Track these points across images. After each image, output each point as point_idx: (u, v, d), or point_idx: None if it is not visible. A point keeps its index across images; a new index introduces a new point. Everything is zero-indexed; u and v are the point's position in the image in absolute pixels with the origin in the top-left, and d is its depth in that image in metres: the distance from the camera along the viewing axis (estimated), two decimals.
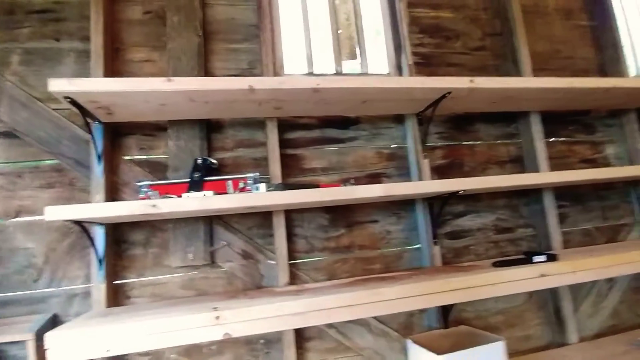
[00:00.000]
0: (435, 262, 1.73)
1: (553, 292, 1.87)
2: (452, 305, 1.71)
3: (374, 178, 1.80)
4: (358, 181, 1.77)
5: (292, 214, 1.68)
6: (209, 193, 1.32)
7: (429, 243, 1.74)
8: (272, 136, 1.65)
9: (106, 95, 1.26)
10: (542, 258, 1.50)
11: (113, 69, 1.60)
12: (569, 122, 2.13)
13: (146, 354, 1.47)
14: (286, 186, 1.37)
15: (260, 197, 1.22)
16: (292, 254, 1.65)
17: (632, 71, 2.28)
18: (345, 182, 1.71)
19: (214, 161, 1.56)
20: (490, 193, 1.91)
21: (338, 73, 1.87)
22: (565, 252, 1.79)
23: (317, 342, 1.62)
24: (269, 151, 1.65)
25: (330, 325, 1.62)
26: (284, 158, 1.70)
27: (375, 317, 1.67)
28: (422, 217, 1.76)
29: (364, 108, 1.67)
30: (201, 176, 1.48)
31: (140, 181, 1.45)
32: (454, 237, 1.85)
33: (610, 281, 2.01)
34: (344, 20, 1.96)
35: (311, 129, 1.78)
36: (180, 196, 1.31)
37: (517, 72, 2.02)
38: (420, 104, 1.67)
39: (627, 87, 1.76)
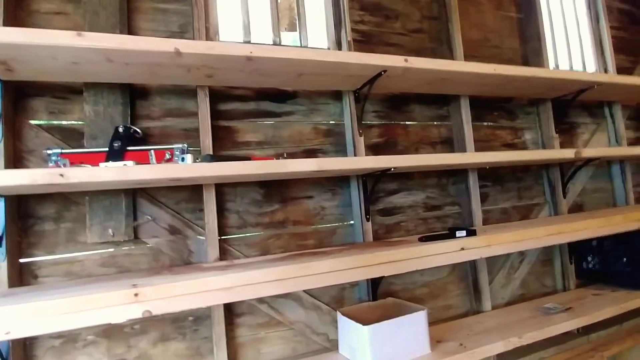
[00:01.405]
0: (367, 238, 1.77)
1: (472, 265, 2.02)
2: (380, 279, 1.77)
3: (311, 154, 1.79)
4: (294, 156, 1.74)
5: (224, 188, 1.62)
6: (130, 163, 1.22)
7: (362, 219, 1.78)
8: (203, 106, 1.56)
9: (3, 48, 1.10)
10: (463, 233, 1.60)
11: (16, 19, 1.40)
12: (494, 108, 2.27)
13: (59, 336, 1.36)
14: (215, 158, 1.31)
15: (185, 168, 1.15)
16: (223, 229, 1.60)
17: (551, 63, 2.47)
18: (279, 156, 1.67)
19: (138, 130, 1.44)
20: (422, 172, 1.99)
21: (275, 44, 1.81)
22: (484, 228, 1.93)
23: (248, 317, 1.61)
24: (200, 122, 1.56)
25: (261, 301, 1.61)
26: (217, 130, 1.62)
27: (307, 292, 1.69)
28: (356, 193, 1.79)
29: (300, 82, 1.63)
30: (122, 145, 1.36)
31: (49, 149, 1.30)
32: (387, 214, 1.91)
33: (522, 255, 2.21)
34: None
35: (246, 101, 1.71)
36: (96, 166, 1.19)
37: (451, 56, 2.09)
38: (357, 80, 1.67)
39: (544, 77, 1.90)
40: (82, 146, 1.41)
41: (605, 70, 2.70)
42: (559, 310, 1.89)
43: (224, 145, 1.64)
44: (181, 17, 1.64)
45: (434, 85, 1.85)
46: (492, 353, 1.60)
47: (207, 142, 1.55)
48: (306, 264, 1.25)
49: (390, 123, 1.97)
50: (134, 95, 1.52)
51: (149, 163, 1.31)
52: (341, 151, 1.85)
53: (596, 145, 2.61)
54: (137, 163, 1.22)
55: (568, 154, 1.96)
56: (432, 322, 1.88)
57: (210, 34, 1.64)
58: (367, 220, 1.78)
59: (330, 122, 1.85)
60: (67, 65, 1.23)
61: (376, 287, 1.76)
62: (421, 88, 1.90)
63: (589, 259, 2.30)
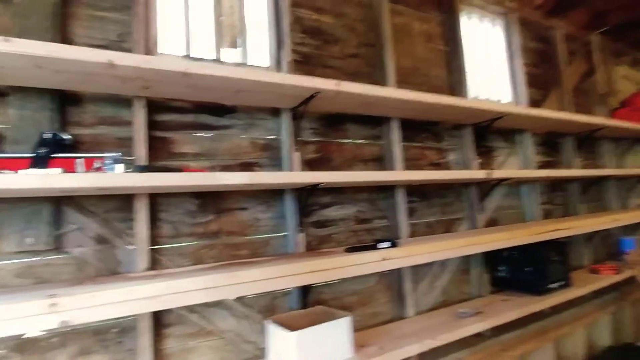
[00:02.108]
0: (299, 249, 1.86)
1: (398, 275, 2.18)
2: (310, 288, 1.86)
3: (247, 167, 1.85)
4: (231, 169, 1.79)
5: (158, 198, 1.63)
6: (56, 171, 1.21)
7: (295, 231, 1.86)
8: (139, 115, 1.57)
9: None
10: (386, 244, 1.74)
11: None
12: (423, 130, 2.49)
13: None
14: (146, 168, 1.33)
15: (113, 178, 1.17)
16: (156, 239, 1.61)
17: (472, 93, 2.75)
18: (214, 169, 1.71)
19: (67, 137, 1.42)
20: (354, 187, 2.13)
21: (217, 60, 1.86)
22: (409, 240, 2.10)
23: (178, 327, 1.61)
24: (134, 131, 1.57)
25: (192, 310, 1.62)
26: (153, 140, 1.63)
27: (239, 301, 1.73)
28: (290, 206, 1.87)
29: (239, 98, 1.70)
30: (49, 152, 1.34)
31: None
32: (320, 226, 2.01)
33: (443, 264, 2.41)
34: (228, 8, 1.95)
35: (184, 113, 1.74)
36: (16, 172, 1.17)
37: (384, 81, 2.27)
38: (293, 99, 1.77)
39: (462, 106, 2.14)
40: (2, 151, 1.36)
41: (519, 102, 3.06)
42: (471, 315, 2.09)
43: (160, 156, 1.65)
44: (120, 26, 1.65)
45: (366, 107, 2.00)
46: (409, 354, 1.74)
47: (141, 152, 1.56)
48: (235, 273, 1.31)
49: (326, 140, 2.09)
50: (65, 101, 1.50)
51: (76, 171, 1.30)
52: (278, 165, 1.93)
53: (510, 167, 2.93)
54: (65, 171, 1.21)
55: (481, 174, 2.19)
56: (359, 329, 2.00)
57: (149, 45, 1.66)
58: (300, 231, 1.86)
59: (268, 137, 1.92)
60: None
61: (306, 295, 1.84)
62: (355, 109, 2.05)
63: (501, 268, 2.57)
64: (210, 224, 1.74)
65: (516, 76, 3.08)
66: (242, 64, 1.94)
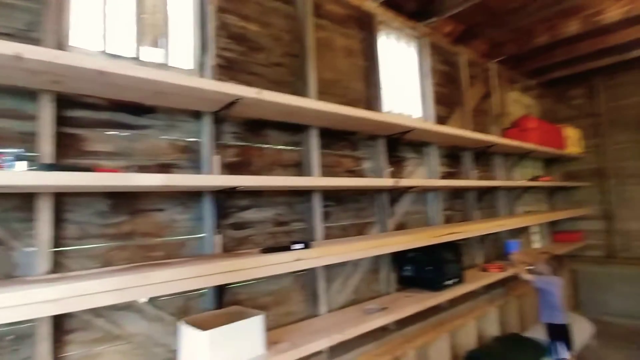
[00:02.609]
0: (216, 250, 1.90)
1: (313, 274, 2.31)
2: (226, 289, 1.91)
3: (165, 168, 1.84)
4: (148, 170, 1.77)
5: (64, 198, 1.56)
6: None
7: (212, 232, 1.90)
8: (46, 111, 1.50)
9: None
10: (300, 246, 1.86)
11: None
12: (341, 139, 2.67)
13: None
14: (52, 167, 1.28)
15: (12, 176, 1.12)
16: (60, 240, 1.54)
17: (387, 107, 3.01)
18: (128, 169, 1.69)
19: None
20: (273, 191, 2.22)
21: (136, 58, 1.83)
22: (324, 242, 2.25)
23: (81, 333, 1.55)
24: (40, 126, 1.49)
25: (98, 315, 1.58)
26: (61, 137, 1.56)
27: (150, 303, 1.71)
28: (208, 208, 1.90)
29: (159, 99, 1.70)
30: None
31: None
32: (238, 228, 2.07)
33: (356, 265, 2.61)
34: (150, 7, 1.93)
35: (99, 110, 1.68)
36: None
37: (306, 91, 2.40)
38: (214, 104, 1.81)
39: (376, 119, 2.35)
40: None
41: (428, 117, 3.41)
42: (377, 310, 2.30)
43: (69, 153, 1.58)
44: (29, 14, 1.55)
45: (287, 115, 2.11)
46: (318, 348, 1.88)
47: (47, 149, 1.48)
48: (145, 274, 1.31)
49: (247, 145, 2.15)
50: None
51: None
52: (197, 167, 1.94)
53: (418, 176, 3.26)
54: None
55: (390, 182, 2.43)
56: (274, 327, 2.09)
57: (60, 38, 1.58)
58: (218, 233, 1.90)
59: (188, 139, 1.93)
60: None
61: (222, 296, 1.89)
62: (276, 116, 2.15)
63: (406, 267, 2.85)
64: (123, 225, 1.70)
65: (426, 94, 3.43)
66: (164, 65, 1.92)
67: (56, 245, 1.51)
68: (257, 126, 2.21)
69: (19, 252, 1.44)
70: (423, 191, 3.27)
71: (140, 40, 1.86)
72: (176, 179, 1.44)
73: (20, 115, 1.49)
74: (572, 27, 3.78)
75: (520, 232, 4.31)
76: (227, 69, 2.12)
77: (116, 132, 1.72)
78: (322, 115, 2.14)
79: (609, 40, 4.08)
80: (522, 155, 4.43)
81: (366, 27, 2.97)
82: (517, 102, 5.05)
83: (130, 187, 1.49)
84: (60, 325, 1.51)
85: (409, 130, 2.73)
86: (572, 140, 5.02)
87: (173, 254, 1.83)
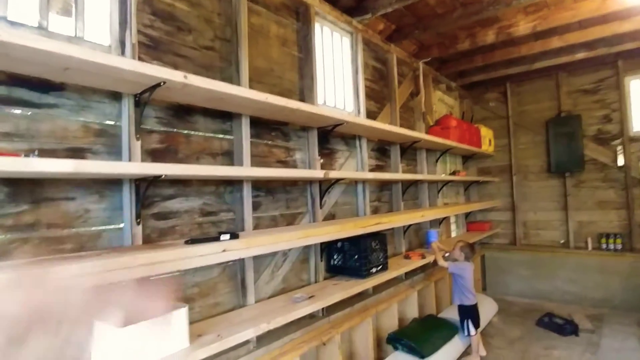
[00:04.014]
0: (136, 241, 1.78)
1: (241, 265, 2.28)
2: None
3: (77, 153, 1.68)
4: (55, 154, 1.60)
5: None
6: None
7: (132, 223, 1.78)
8: None
9: None
10: (227, 237, 1.82)
11: None
12: (272, 129, 2.64)
13: None
14: None
15: None
16: None
17: (320, 99, 3.05)
18: (29, 153, 1.51)
19: None
20: (200, 180, 2.14)
21: (41, 27, 1.63)
22: (253, 233, 2.23)
23: None
24: None
25: None
26: None
27: None
28: (127, 197, 1.78)
29: (68, 75, 1.53)
30: None
31: None
32: (161, 218, 1.96)
33: (285, 255, 2.63)
34: None
35: None
36: None
37: (237, 78, 2.33)
38: (135, 86, 1.69)
39: (307, 111, 2.37)
40: None
41: (359, 112, 3.52)
42: (304, 299, 2.35)
43: None
44: None
45: (216, 102, 2.04)
46: (244, 339, 1.87)
47: None
48: (48, 270, 1.19)
49: (172, 131, 2.04)
50: None
51: None
52: (116, 154, 1.80)
53: (348, 169, 3.36)
54: None
55: (320, 174, 2.47)
56: (199, 319, 2.04)
57: None
58: (138, 224, 1.79)
59: (105, 122, 1.78)
60: None
61: None
62: (205, 103, 2.06)
63: (335, 256, 2.94)
64: (24, 214, 1.52)
65: (358, 89, 3.53)
66: (77, 39, 1.74)
67: None
68: (184, 112, 2.10)
69: None
70: (352, 183, 3.39)
71: (46, 6, 1.65)
72: (89, 166, 1.32)
73: None
74: (489, 36, 4.13)
75: (440, 222, 4.66)
76: (151, 49, 1.98)
77: (14, 110, 1.52)
78: (253, 104, 2.10)
79: (519, 50, 4.55)
80: (443, 151, 4.77)
81: (302, 17, 2.97)
82: (441, 102, 5.42)
83: (33, 173, 1.34)
84: None
85: (340, 124, 2.80)
86: (486, 139, 5.54)
87: (87, 247, 1.68)
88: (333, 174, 2.54)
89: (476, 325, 3.40)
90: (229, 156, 2.33)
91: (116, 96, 1.81)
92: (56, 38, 1.63)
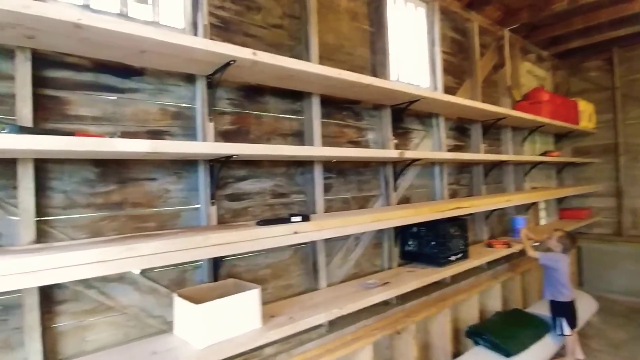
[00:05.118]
0: (211, 222, 1.82)
1: (312, 248, 2.24)
2: (223, 261, 1.85)
3: (156, 135, 1.74)
4: (136, 136, 1.67)
5: (48, 165, 1.47)
6: None
7: (207, 203, 1.81)
8: (23, 70, 1.38)
9: None
10: (298, 219, 1.78)
11: None
12: (343, 108, 2.53)
13: None
14: (26, 130, 1.19)
15: None
16: (46, 209, 1.46)
17: (393, 75, 2.86)
18: (112, 135, 1.58)
19: None
20: (271, 161, 2.12)
21: (122, 14, 1.69)
22: (324, 215, 2.17)
23: (72, 304, 1.50)
24: (17, 87, 1.38)
25: (89, 286, 1.52)
26: (42, 99, 1.46)
27: (144, 275, 1.66)
28: (202, 178, 1.81)
29: (146, 59, 1.57)
30: None
31: None
32: (235, 199, 1.98)
33: (357, 239, 2.54)
34: None
35: (81, 71, 1.57)
36: None
37: (307, 56, 2.25)
38: (207, 66, 1.69)
39: (381, 86, 2.21)
40: None
41: (436, 88, 3.25)
42: (378, 285, 2.24)
43: (50, 117, 1.48)
44: None
45: (286, 80, 1.98)
46: (316, 323, 1.83)
47: (25, 112, 1.38)
48: (131, 246, 1.24)
49: (243, 112, 2.04)
50: None
51: None
52: (191, 135, 1.84)
53: (424, 149, 3.13)
54: None
55: (395, 154, 2.31)
56: (272, 300, 2.05)
57: None
58: (213, 204, 1.82)
59: (181, 104, 1.82)
60: None
61: (218, 269, 1.83)
62: (274, 82, 2.01)
63: (410, 242, 2.78)
64: (112, 194, 1.62)
65: (435, 63, 3.26)
66: (153, 23, 1.78)
67: (41, 214, 1.44)
68: (254, 92, 2.08)
69: (2, 221, 1.37)
70: (429, 164, 3.16)
71: None
72: (164, 146, 1.34)
73: None
74: None
75: (528, 209, 4.21)
76: (222, 30, 1.98)
77: (101, 95, 1.60)
78: (324, 80, 2.00)
79: (632, 6, 3.83)
80: (532, 130, 4.26)
81: None
82: (530, 74, 4.84)
83: (116, 153, 1.40)
84: (50, 296, 1.45)
85: (416, 100, 2.59)
86: (585, 114, 4.83)
87: (167, 225, 1.76)
88: (409, 154, 2.37)
89: (572, 325, 3.00)
90: (299, 137, 2.27)
91: (190, 79, 1.84)
92: (134, 22, 1.68)
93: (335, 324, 2.24)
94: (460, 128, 3.59)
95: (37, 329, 1.38)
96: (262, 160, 2.06)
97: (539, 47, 4.88)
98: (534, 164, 4.32)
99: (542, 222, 4.79)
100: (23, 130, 1.17)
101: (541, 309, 3.35)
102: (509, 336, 2.85)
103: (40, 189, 1.44)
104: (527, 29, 4.41)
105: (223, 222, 1.90)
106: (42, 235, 1.43)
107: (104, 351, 1.53)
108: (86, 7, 1.60)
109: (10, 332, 1.38)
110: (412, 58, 3.14)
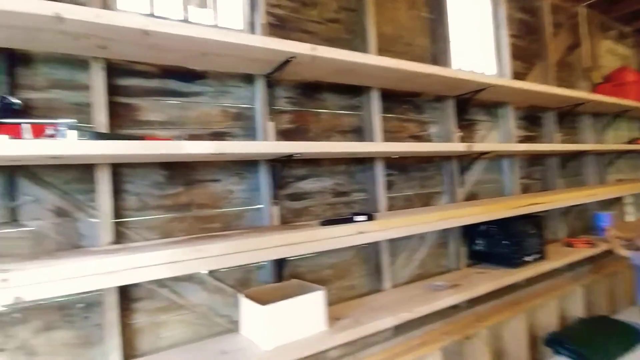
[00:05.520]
0: (273, 222, 1.81)
1: (375, 248, 2.16)
2: (286, 261, 1.83)
3: (218, 137, 1.76)
4: (200, 139, 1.70)
5: (122, 169, 1.54)
6: (2, 137, 1.11)
7: (269, 203, 1.81)
8: (98, 79, 1.46)
9: None
10: (363, 218, 1.71)
11: None
12: (403, 101, 2.42)
13: None
14: (102, 136, 1.24)
15: (64, 145, 1.07)
16: (120, 211, 1.53)
17: (456, 64, 2.68)
18: (179, 138, 1.62)
19: (16, 101, 1.30)
20: (331, 159, 2.07)
21: (184, 20, 1.73)
22: (387, 214, 2.07)
23: (147, 302, 1.56)
24: (93, 96, 1.46)
25: (161, 285, 1.57)
26: (115, 107, 1.53)
27: (211, 275, 1.68)
28: (264, 178, 1.81)
29: (206, 61, 1.59)
30: None
31: None
32: (295, 199, 1.96)
33: (422, 238, 2.41)
34: None
35: (149, 78, 1.62)
36: None
37: (364, 49, 2.17)
38: (266, 65, 1.67)
39: (443, 75, 2.07)
40: None
41: (504, 74, 3.00)
42: (446, 287, 2.11)
43: (123, 123, 1.55)
44: None
45: (345, 75, 1.92)
46: (383, 327, 1.75)
47: (101, 119, 1.45)
48: (201, 247, 1.25)
49: (302, 110, 2.00)
50: (14, 62, 1.37)
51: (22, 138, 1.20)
52: (251, 135, 1.84)
53: (491, 141, 2.91)
54: (12, 137, 1.11)
55: (462, 147, 2.16)
56: (335, 302, 2.00)
57: (106, 1, 1.52)
58: (275, 204, 1.81)
59: (241, 105, 1.83)
60: None
61: (281, 269, 1.81)
62: (332, 77, 1.96)
63: (478, 241, 2.59)
64: (180, 196, 1.66)
65: (501, 48, 3.01)
66: (213, 26, 1.81)
67: (117, 216, 1.51)
68: (312, 89, 2.05)
69: (83, 223, 1.45)
70: (497, 157, 2.93)
71: (186, 1, 1.75)
72: (227, 146, 1.34)
73: (73, 86, 1.47)
74: None
75: (612, 204, 3.77)
76: (278, 28, 1.96)
77: (167, 100, 1.65)
78: (383, 73, 1.91)
79: None
80: (616, 115, 3.81)
81: None
82: (611, 53, 4.33)
83: (183, 155, 1.42)
84: (127, 293, 1.52)
85: (482, 89, 2.40)
86: None
87: (231, 226, 1.77)
88: (478, 147, 2.20)
89: None
90: (359, 133, 2.20)
91: (249, 79, 1.84)
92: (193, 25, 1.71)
93: (400, 327, 2.13)
94: (531, 117, 3.30)
95: (116, 325, 1.45)
96: (322, 158, 2.01)
97: (620, 23, 4.35)
98: (620, 154, 3.85)
99: (629, 218, 4.27)
100: (101, 136, 1.22)
101: (632, 316, 2.98)
102: (595, 346, 2.55)
103: (116, 192, 1.51)
104: (606, 3, 3.94)
105: (285, 222, 1.89)
106: (119, 236, 1.50)
107: (177, 348, 1.58)
108: (151, 15, 1.65)
109: (91, 328, 1.45)
110: (475, 44, 2.93)
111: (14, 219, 1.35)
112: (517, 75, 3.12)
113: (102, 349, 1.45)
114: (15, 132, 1.18)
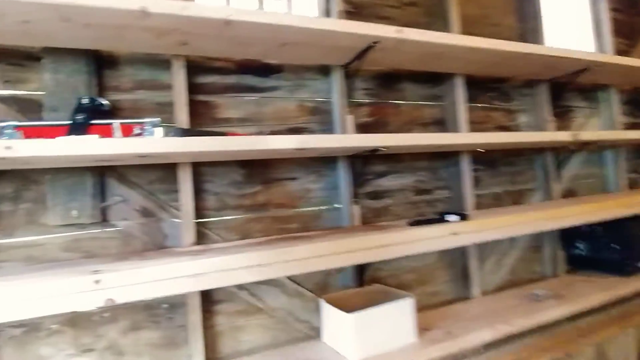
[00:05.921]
0: (354, 222, 1.69)
1: (461, 251, 1.96)
2: (367, 265, 1.70)
3: (295, 132, 1.68)
4: (278, 135, 1.63)
5: (202, 168, 1.51)
6: (93, 138, 1.10)
7: (349, 202, 1.69)
8: (179, 78, 1.43)
9: None
10: (455, 217, 1.53)
11: None
12: (489, 89, 2.17)
13: (19, 324, 1.25)
14: (187, 132, 1.19)
15: (152, 143, 1.04)
16: (201, 211, 1.50)
17: (548, 43, 2.37)
18: (259, 135, 1.56)
19: (105, 102, 1.31)
20: (412, 154, 1.90)
21: (260, 10, 1.66)
22: (476, 213, 1.86)
23: (227, 305, 1.52)
24: (174, 96, 1.44)
25: (241, 287, 1.52)
26: (194, 105, 1.50)
27: (290, 278, 1.60)
28: (343, 175, 1.69)
29: (284, 53, 1.50)
30: (86, 118, 1.23)
31: (2, 121, 1.17)
32: (375, 197, 1.82)
33: (512, 241, 2.16)
34: None
35: (227, 74, 1.58)
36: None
37: (446, 32, 1.97)
38: (345, 53, 1.55)
39: (541, 54, 1.80)
40: (41, 119, 1.28)
41: (603, 52, 2.62)
42: (548, 297, 1.85)
43: (203, 122, 1.52)
44: None
45: (428, 61, 1.74)
46: (479, 341, 1.55)
47: (183, 118, 1.43)
48: (286, 249, 1.16)
49: (380, 102, 1.86)
50: (101, 64, 1.39)
51: (113, 137, 1.19)
52: (328, 130, 1.74)
53: (591, 130, 2.55)
54: (102, 137, 1.11)
55: (565, 136, 1.88)
56: (418, 309, 1.82)
57: None
58: (355, 203, 1.69)
59: (317, 99, 1.73)
60: (17, 25, 1.09)
61: (362, 273, 1.69)
62: (414, 64, 1.79)
63: (579, 245, 2.27)
64: (257, 195, 1.60)
65: (600, 23, 2.63)
66: (288, 14, 1.73)
67: (198, 216, 1.48)
68: (391, 80, 1.89)
69: (167, 223, 1.44)
70: (598, 149, 2.56)
71: None
72: (311, 141, 1.24)
73: (156, 86, 1.46)
74: None
75: None
76: (354, 15, 1.83)
77: (245, 97, 1.60)
78: (472, 55, 1.71)
79: None
80: None
81: None
82: None
83: (263, 152, 1.35)
84: (209, 295, 1.49)
85: (582, 69, 2.08)
86: None
87: (309, 226, 1.68)
88: (585, 136, 1.90)
89: None
90: (440, 125, 2.01)
91: (325, 71, 1.74)
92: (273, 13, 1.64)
93: (491, 341, 1.92)
94: (636, 101, 2.85)
95: (199, 328, 1.42)
96: (403, 153, 1.86)
97: None
98: None
99: None
100: (186, 132, 1.18)
101: None
102: None
103: (197, 192, 1.48)
104: None
105: (365, 222, 1.76)
106: (200, 236, 1.47)
107: (258, 354, 1.51)
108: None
109: (176, 329, 1.44)
110: (569, 21, 2.58)
111: (104, 219, 1.36)
112: (620, 53, 2.71)
113: (187, 351, 1.43)
114: (106, 132, 1.17)
